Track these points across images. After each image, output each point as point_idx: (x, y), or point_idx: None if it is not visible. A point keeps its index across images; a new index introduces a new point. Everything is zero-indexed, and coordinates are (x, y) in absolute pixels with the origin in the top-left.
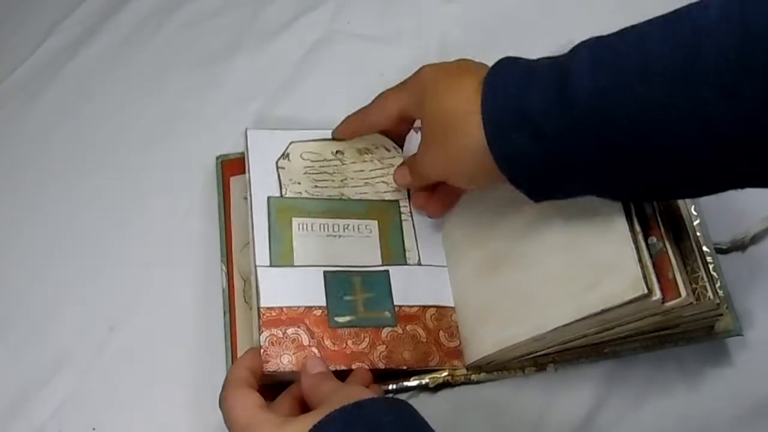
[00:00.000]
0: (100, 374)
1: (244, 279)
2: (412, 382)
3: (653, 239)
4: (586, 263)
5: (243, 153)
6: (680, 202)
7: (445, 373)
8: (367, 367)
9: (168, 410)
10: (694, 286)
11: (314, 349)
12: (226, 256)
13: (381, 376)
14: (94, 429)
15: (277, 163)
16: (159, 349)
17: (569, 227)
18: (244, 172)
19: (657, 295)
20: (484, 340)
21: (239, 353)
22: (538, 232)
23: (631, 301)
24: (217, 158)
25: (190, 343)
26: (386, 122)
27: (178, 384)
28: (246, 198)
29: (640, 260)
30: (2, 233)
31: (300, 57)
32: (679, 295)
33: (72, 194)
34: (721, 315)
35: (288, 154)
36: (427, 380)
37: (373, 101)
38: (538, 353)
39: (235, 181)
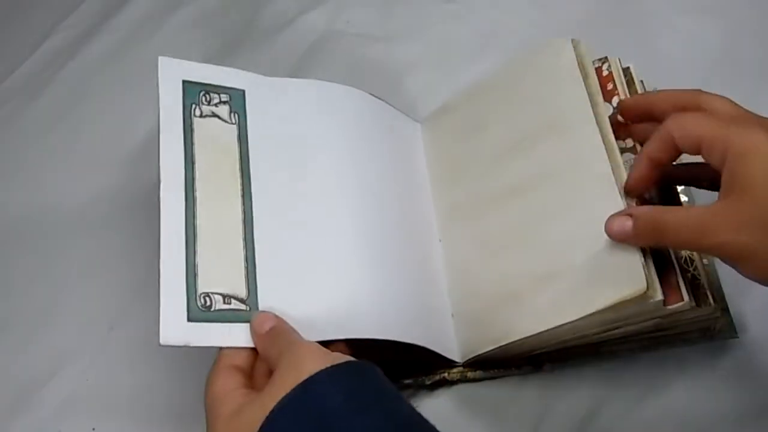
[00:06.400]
0: (100, 374)
1: None
2: (408, 380)
3: None
4: (586, 262)
5: None
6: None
7: (441, 370)
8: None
9: (167, 410)
10: (694, 291)
11: None
12: None
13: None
14: (93, 429)
15: None
16: (158, 349)
17: (571, 227)
18: None
19: (658, 296)
20: (481, 336)
21: None
22: (541, 229)
23: (630, 300)
24: None
25: None
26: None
27: (177, 384)
28: None
29: (642, 259)
30: (1, 233)
31: (300, 57)
32: (682, 299)
33: (71, 194)
34: (717, 318)
35: None
36: (424, 378)
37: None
38: (535, 351)
39: None
